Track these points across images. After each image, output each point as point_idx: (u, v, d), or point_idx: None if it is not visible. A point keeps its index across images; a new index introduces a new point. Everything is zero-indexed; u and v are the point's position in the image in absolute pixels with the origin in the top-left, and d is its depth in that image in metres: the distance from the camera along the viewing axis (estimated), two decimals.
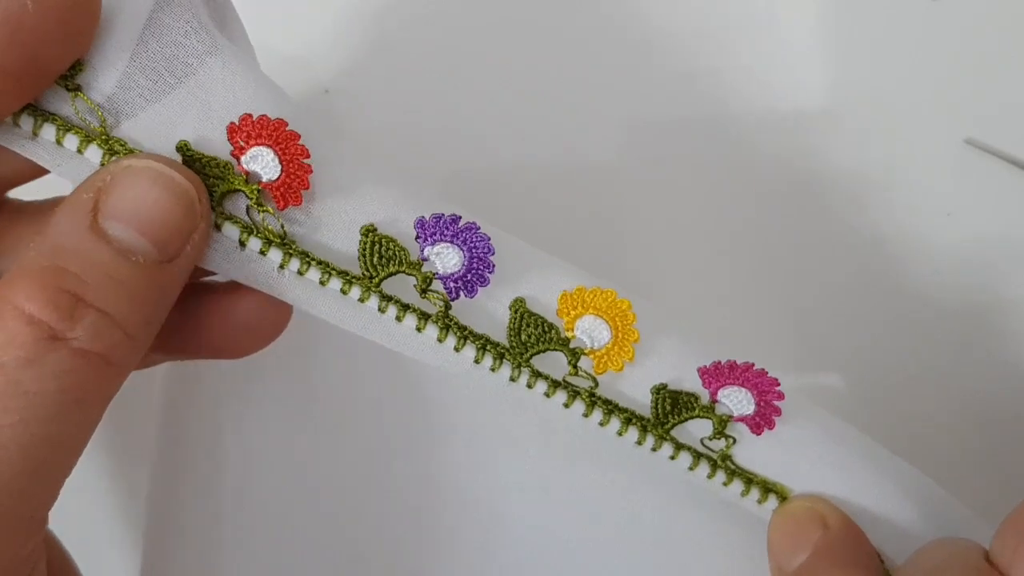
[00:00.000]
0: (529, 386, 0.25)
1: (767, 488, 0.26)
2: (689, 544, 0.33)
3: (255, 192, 0.24)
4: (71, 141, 0.23)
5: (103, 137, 0.23)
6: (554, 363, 0.25)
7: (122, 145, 0.24)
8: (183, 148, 0.24)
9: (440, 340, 0.25)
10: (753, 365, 0.25)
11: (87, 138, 0.23)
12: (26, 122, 0.23)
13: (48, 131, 0.23)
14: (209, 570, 0.33)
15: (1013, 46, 0.38)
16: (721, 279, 0.37)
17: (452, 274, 0.24)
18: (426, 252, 0.24)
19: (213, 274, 0.26)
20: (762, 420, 0.25)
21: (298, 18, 0.38)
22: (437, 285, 0.24)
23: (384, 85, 0.38)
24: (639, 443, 0.25)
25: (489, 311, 0.25)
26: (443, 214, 0.24)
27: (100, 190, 0.22)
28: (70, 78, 0.23)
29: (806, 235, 0.37)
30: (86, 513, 0.37)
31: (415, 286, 0.25)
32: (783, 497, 0.26)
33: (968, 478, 0.36)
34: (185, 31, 0.24)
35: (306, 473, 0.34)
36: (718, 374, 0.25)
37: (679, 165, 0.38)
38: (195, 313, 0.27)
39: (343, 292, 0.25)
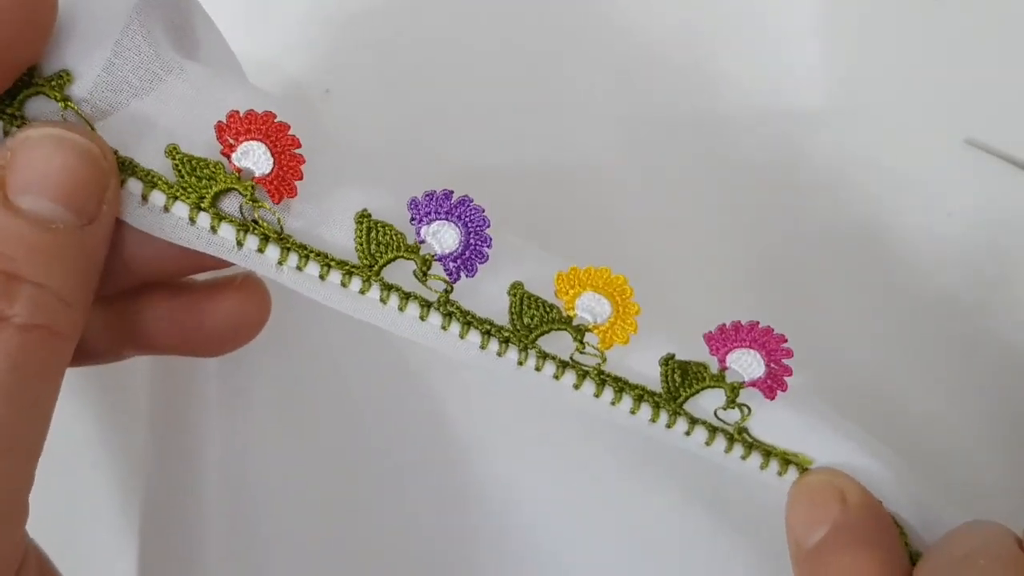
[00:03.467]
0: (537, 368, 0.25)
1: (786, 460, 0.25)
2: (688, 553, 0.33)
3: (249, 189, 0.24)
4: None
5: None
6: (559, 347, 0.25)
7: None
8: (172, 152, 0.24)
9: (444, 328, 0.25)
10: (758, 323, 0.25)
11: None
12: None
13: None
14: (207, 567, 0.33)
15: (1013, 46, 0.38)
16: (720, 278, 0.37)
17: (451, 253, 0.24)
18: (422, 233, 0.24)
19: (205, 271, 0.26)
20: (774, 382, 0.25)
21: (298, 18, 0.38)
22: (436, 268, 0.24)
23: (384, 85, 0.38)
24: (653, 420, 0.25)
25: (489, 298, 0.25)
26: (435, 191, 0.24)
27: (3, 167, 0.22)
28: (59, 89, 0.23)
29: (805, 235, 0.37)
30: (82, 518, 0.37)
31: (414, 272, 0.25)
32: (803, 468, 0.25)
33: (966, 485, 0.36)
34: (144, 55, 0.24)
35: (301, 469, 0.34)
36: (724, 338, 0.25)
37: (677, 164, 0.38)
38: (173, 311, 0.27)
39: (343, 285, 0.25)
